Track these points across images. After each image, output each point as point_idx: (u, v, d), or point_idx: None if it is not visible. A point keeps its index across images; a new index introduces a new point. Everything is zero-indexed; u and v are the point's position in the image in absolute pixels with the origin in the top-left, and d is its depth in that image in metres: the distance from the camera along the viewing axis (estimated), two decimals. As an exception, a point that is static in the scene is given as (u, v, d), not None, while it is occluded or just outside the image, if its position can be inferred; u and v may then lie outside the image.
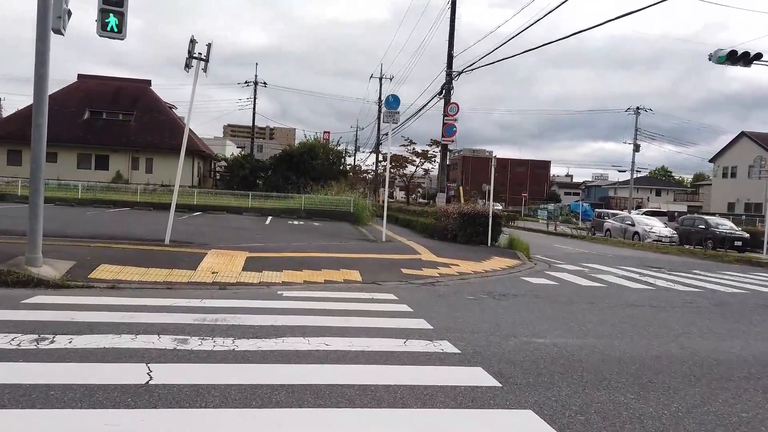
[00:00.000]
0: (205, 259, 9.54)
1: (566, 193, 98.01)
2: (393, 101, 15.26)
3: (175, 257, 9.46)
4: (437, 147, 34.96)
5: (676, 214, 39.27)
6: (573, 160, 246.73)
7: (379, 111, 47.51)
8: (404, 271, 10.30)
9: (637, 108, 54.69)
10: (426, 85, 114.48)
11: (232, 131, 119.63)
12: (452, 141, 23.46)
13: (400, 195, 76.91)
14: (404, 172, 38.59)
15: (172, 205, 11.03)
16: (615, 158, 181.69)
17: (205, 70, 10.48)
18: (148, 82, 40.77)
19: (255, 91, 48.15)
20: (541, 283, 10.39)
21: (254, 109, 48.31)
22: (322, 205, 26.63)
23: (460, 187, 26.26)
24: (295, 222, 22.42)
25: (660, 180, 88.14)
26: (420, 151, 35.32)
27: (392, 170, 43.66)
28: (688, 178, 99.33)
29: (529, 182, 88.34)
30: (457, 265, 11.64)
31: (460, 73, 23.24)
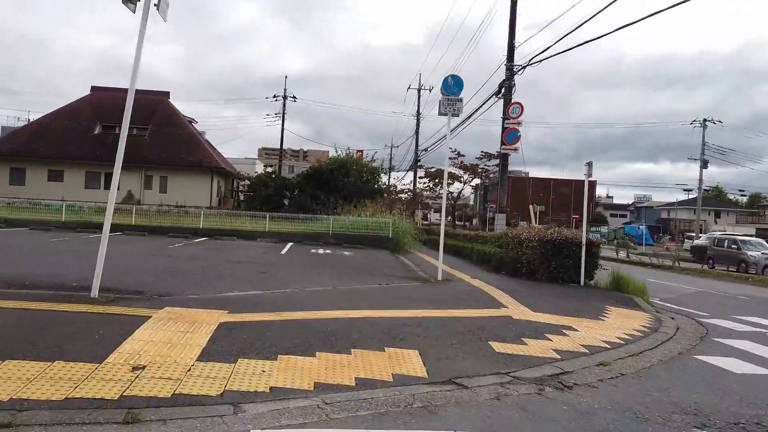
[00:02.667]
0: (140, 330, 5.22)
1: (612, 215, 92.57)
2: (454, 85, 10.85)
3: (83, 328, 5.17)
4: (488, 160, 30.25)
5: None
6: (611, 180, 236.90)
7: (417, 125, 43.25)
8: (496, 347, 5.80)
9: (704, 120, 49.03)
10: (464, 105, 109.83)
11: (267, 154, 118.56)
12: (515, 150, 18.93)
13: (434, 217, 72.17)
14: (449, 189, 33.93)
15: (104, 233, 6.77)
16: (657, 179, 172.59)
17: (158, 6, 6.30)
18: (167, 94, 37.49)
19: (284, 105, 44.83)
20: (744, 372, 5.73)
21: (283, 123, 44.93)
22: (354, 229, 22.21)
23: (531, 206, 21.58)
24: (320, 250, 18.02)
25: (720, 201, 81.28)
26: (469, 166, 30.64)
27: (435, 188, 39.18)
28: (743, 198, 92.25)
29: (573, 203, 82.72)
30: (574, 329, 7.06)
31: (524, 67, 18.81)
